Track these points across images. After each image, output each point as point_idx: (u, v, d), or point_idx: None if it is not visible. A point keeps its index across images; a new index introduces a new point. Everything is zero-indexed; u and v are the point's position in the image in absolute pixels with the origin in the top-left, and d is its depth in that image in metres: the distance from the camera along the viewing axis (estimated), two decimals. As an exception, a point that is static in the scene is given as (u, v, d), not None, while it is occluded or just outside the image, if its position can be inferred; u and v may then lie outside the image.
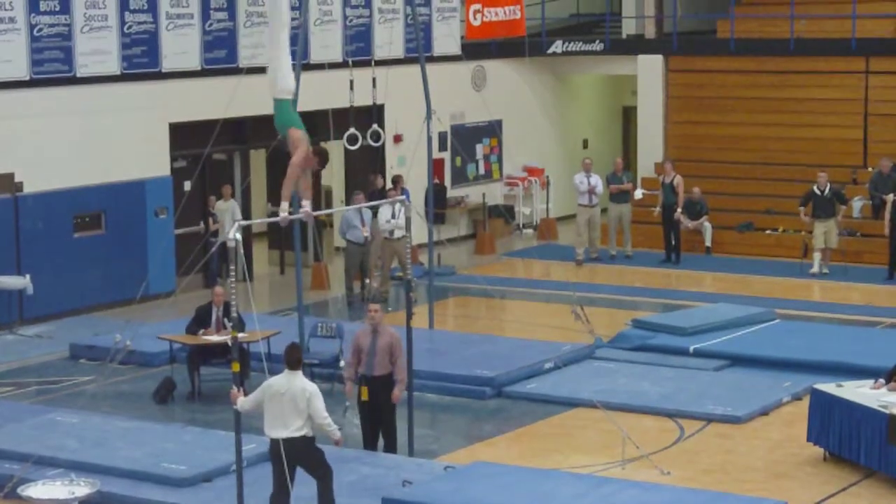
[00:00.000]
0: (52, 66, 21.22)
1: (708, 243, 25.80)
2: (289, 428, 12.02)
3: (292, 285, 19.99)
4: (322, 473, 12.34)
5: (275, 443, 12.05)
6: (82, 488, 12.06)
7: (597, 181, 25.51)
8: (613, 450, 14.70)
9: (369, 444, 14.43)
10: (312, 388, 12.18)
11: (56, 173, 21.18)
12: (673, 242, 25.25)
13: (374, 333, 14.24)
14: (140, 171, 22.35)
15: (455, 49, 25.88)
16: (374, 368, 14.16)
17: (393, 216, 22.34)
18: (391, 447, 14.40)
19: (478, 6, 24.48)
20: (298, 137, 13.74)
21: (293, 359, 12.24)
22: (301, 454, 12.14)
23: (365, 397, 14.14)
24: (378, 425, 14.37)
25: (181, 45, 22.89)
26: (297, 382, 12.11)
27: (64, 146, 21.34)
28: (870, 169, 25.55)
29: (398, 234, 22.15)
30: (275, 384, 12.17)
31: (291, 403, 12.03)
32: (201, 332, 17.23)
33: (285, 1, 14.45)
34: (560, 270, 24.29)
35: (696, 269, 24.83)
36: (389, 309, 21.80)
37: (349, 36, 24.87)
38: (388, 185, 25.07)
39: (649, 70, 28.20)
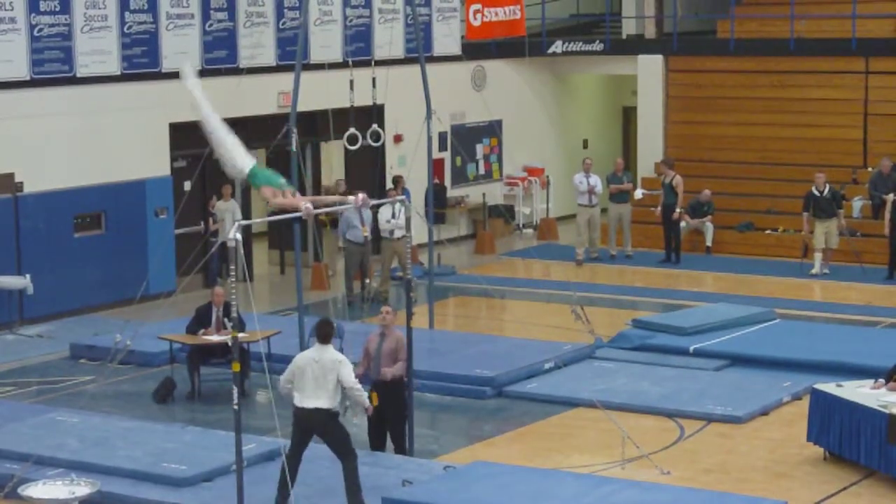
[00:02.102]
0: (53, 66, 21.23)
1: (709, 243, 25.81)
2: (318, 398, 12.54)
3: (292, 285, 19.99)
4: (345, 452, 12.69)
5: (300, 410, 12.60)
6: (83, 488, 12.06)
7: (596, 181, 25.51)
8: (613, 450, 14.69)
9: (375, 447, 14.39)
10: (342, 357, 12.77)
11: (56, 173, 21.18)
12: (673, 243, 25.26)
13: (382, 336, 14.23)
14: (140, 171, 22.36)
15: (455, 49, 25.89)
16: (379, 372, 14.14)
17: (393, 216, 22.36)
18: (401, 452, 14.38)
19: (478, 6, 24.49)
20: (273, 193, 13.57)
21: (323, 333, 12.83)
22: (323, 426, 12.63)
23: (374, 402, 14.05)
24: (385, 429, 14.32)
25: (181, 45, 22.89)
26: (327, 354, 12.70)
27: (64, 146, 21.34)
28: (870, 169, 25.57)
29: (398, 233, 22.17)
30: (305, 355, 12.85)
31: (321, 374, 12.57)
32: (201, 331, 17.23)
33: (203, 102, 13.82)
34: (560, 270, 24.30)
35: (696, 269, 24.83)
36: (390, 309, 21.81)
37: (349, 36, 24.88)
38: (389, 184, 25.12)
39: (649, 70, 28.21)
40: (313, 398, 12.54)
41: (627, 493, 12.90)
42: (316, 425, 12.64)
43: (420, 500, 12.72)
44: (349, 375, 12.65)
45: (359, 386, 12.79)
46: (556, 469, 14.01)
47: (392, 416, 14.22)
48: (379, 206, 22.26)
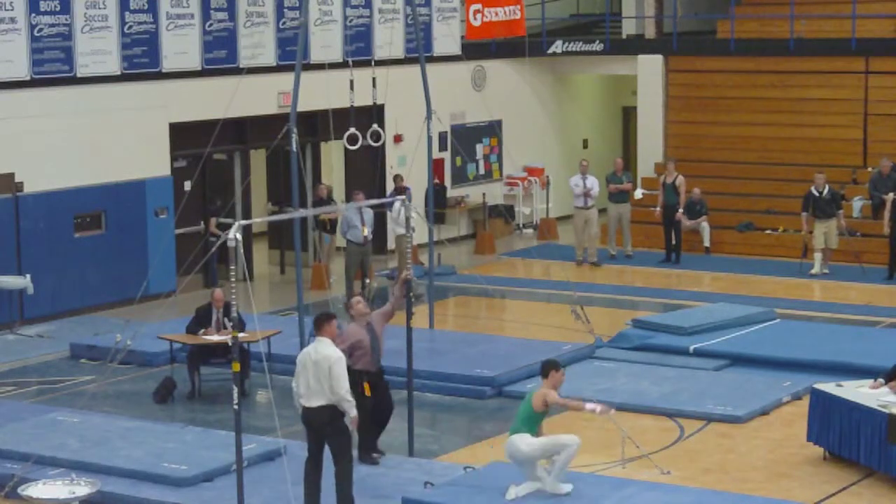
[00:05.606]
0: (53, 66, 21.23)
1: (706, 243, 25.80)
2: (321, 396, 12.28)
3: (292, 285, 19.98)
4: (342, 453, 12.43)
5: (306, 410, 12.38)
6: (83, 488, 12.06)
7: (592, 183, 25.43)
8: (613, 449, 14.69)
9: (371, 438, 14.30)
10: (337, 355, 12.35)
11: (56, 173, 21.18)
12: (673, 242, 25.25)
13: (368, 326, 14.04)
14: (140, 171, 22.36)
15: (455, 49, 25.89)
16: (380, 362, 14.06)
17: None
18: (385, 422, 14.30)
19: (478, 6, 24.50)
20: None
21: (316, 324, 12.54)
22: (328, 424, 12.33)
23: (368, 393, 13.96)
24: (380, 417, 14.22)
25: (181, 45, 22.89)
26: (323, 350, 12.38)
27: (64, 146, 21.34)
28: (870, 169, 25.56)
29: (399, 231, 22.23)
30: (306, 351, 12.52)
31: (319, 372, 12.26)
32: (201, 331, 17.23)
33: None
34: (560, 270, 24.29)
35: (696, 269, 24.83)
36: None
37: (349, 36, 24.88)
38: (389, 185, 25.12)
39: (649, 70, 28.21)
40: (317, 396, 12.32)
41: (648, 495, 12.88)
42: (320, 423, 12.37)
43: (441, 500, 12.71)
44: (339, 381, 12.21)
45: (349, 396, 12.29)
46: (573, 471, 13.90)
47: (381, 405, 14.11)
48: (379, 205, 22.28)
